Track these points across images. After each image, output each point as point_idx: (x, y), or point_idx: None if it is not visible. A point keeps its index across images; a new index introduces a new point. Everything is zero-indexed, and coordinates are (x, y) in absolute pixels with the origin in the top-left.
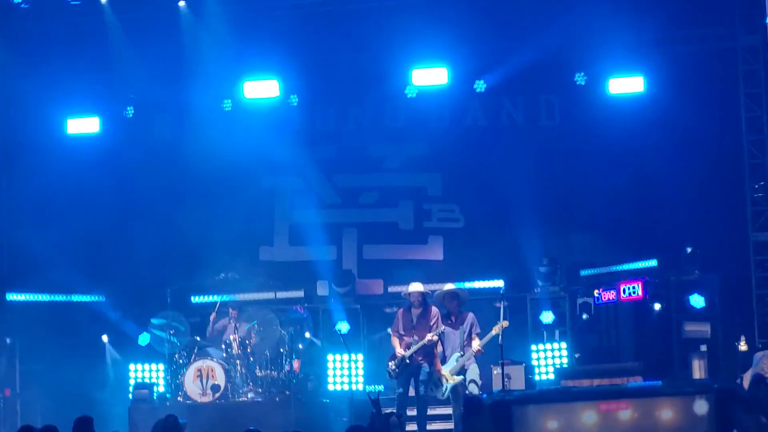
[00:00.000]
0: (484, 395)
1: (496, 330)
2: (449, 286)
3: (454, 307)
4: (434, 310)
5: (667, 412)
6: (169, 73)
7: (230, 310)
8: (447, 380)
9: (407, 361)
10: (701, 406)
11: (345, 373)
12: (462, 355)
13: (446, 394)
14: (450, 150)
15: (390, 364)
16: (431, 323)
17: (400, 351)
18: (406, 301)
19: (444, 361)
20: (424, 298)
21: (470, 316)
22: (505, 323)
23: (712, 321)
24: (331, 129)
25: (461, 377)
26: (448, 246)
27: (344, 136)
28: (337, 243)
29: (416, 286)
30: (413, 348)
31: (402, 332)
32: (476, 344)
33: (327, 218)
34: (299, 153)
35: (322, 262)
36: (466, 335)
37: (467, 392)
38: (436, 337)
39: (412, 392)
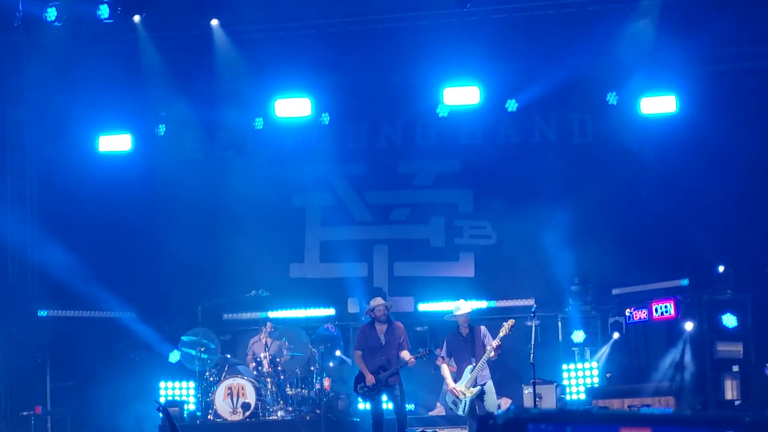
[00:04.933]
0: (499, 413)
1: (503, 331)
2: (459, 308)
3: (464, 325)
4: (399, 326)
5: None
6: (201, 90)
7: (267, 323)
8: (465, 395)
9: (381, 384)
10: None
11: None
12: (474, 367)
13: (466, 409)
14: (482, 167)
15: (359, 386)
16: (399, 340)
17: (370, 378)
18: (436, 320)
19: (457, 378)
20: (388, 313)
21: (482, 329)
22: (511, 321)
23: (744, 341)
24: (363, 146)
25: (477, 388)
26: (479, 263)
27: (375, 154)
28: (368, 260)
29: (379, 300)
30: (387, 373)
31: (368, 350)
32: (488, 349)
33: (358, 235)
34: (330, 170)
35: (352, 279)
36: (478, 349)
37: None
38: (413, 360)
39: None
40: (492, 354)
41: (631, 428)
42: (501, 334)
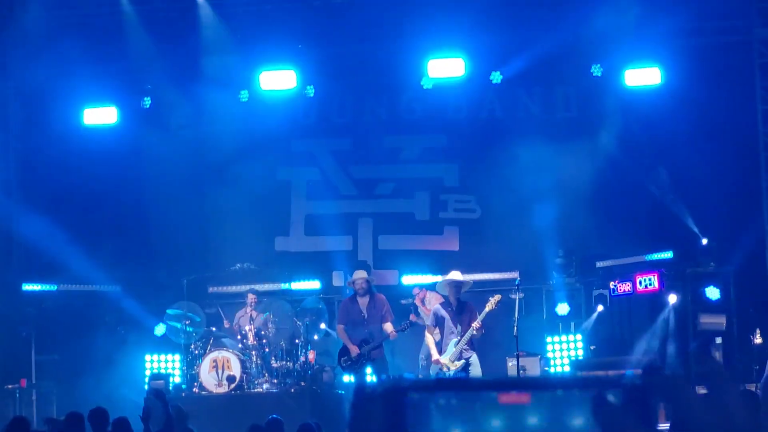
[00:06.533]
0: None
1: (489, 306)
2: (453, 275)
3: (454, 296)
4: (382, 298)
5: (572, 407)
6: (186, 63)
7: (248, 296)
8: (449, 368)
9: (364, 357)
10: (610, 400)
11: None
12: (459, 341)
13: None
14: (467, 141)
15: (342, 359)
16: (382, 313)
17: (354, 349)
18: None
19: (442, 350)
20: (370, 287)
21: (470, 305)
22: (498, 297)
23: (727, 313)
24: (348, 120)
25: (462, 362)
26: (464, 237)
27: (360, 128)
28: (352, 233)
29: (361, 273)
30: (369, 347)
31: (351, 324)
32: (474, 324)
33: (343, 209)
34: (316, 144)
35: (337, 253)
36: (464, 324)
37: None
38: (395, 333)
39: None
40: (475, 333)
41: (510, 394)
42: (487, 309)
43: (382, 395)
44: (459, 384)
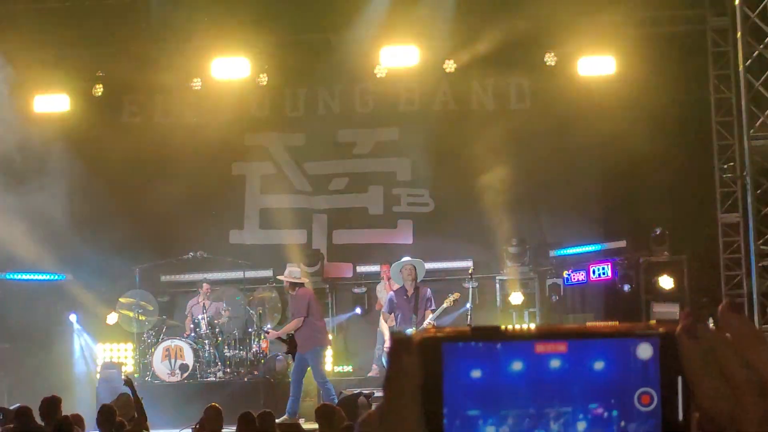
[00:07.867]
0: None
1: (447, 302)
2: (406, 259)
3: (410, 282)
4: (296, 295)
5: (607, 355)
6: (138, 50)
7: (203, 285)
8: None
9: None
10: (645, 350)
11: None
12: (414, 329)
13: None
14: (419, 134)
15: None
16: (293, 310)
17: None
18: (374, 281)
19: None
20: (292, 285)
21: (426, 291)
22: (457, 295)
23: (680, 302)
24: (301, 115)
25: None
26: (417, 230)
27: (314, 123)
28: (307, 227)
29: (284, 274)
30: (284, 330)
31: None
32: (427, 318)
33: (297, 203)
34: (270, 139)
35: (291, 246)
36: (420, 310)
37: None
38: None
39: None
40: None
41: (546, 343)
42: (444, 305)
43: (419, 344)
44: (496, 333)
